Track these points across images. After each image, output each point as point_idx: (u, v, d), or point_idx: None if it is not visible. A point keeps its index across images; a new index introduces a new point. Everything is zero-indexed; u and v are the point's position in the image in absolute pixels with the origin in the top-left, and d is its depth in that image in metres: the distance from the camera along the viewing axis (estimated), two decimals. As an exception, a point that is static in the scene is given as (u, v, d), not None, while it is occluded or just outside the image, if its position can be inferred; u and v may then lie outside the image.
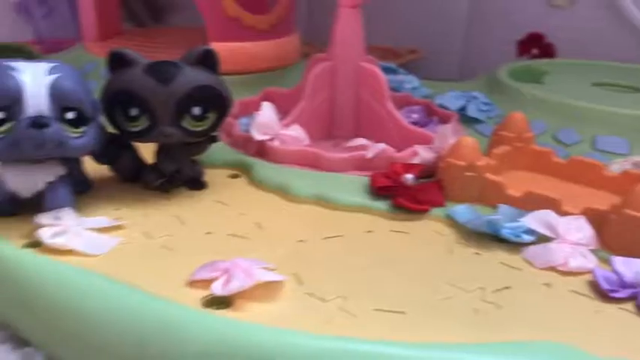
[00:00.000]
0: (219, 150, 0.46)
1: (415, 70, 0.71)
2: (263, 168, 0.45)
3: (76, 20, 0.82)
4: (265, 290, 0.31)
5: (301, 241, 0.36)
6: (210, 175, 0.44)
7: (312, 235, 0.37)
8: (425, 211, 0.40)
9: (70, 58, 0.65)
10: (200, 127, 0.40)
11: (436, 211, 0.40)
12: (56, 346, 0.31)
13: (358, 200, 0.41)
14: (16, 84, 0.33)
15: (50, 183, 0.36)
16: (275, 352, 0.26)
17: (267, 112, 0.47)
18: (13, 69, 0.34)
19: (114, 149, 0.41)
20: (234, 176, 0.46)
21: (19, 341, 0.32)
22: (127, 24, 0.81)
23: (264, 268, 0.32)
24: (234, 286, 0.30)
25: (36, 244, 0.34)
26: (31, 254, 0.33)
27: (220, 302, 0.30)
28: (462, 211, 0.39)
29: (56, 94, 0.34)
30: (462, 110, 0.58)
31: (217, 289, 0.30)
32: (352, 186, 0.42)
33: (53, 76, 0.34)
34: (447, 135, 0.45)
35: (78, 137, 0.35)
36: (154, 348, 0.28)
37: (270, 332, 0.27)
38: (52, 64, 0.35)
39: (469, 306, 0.31)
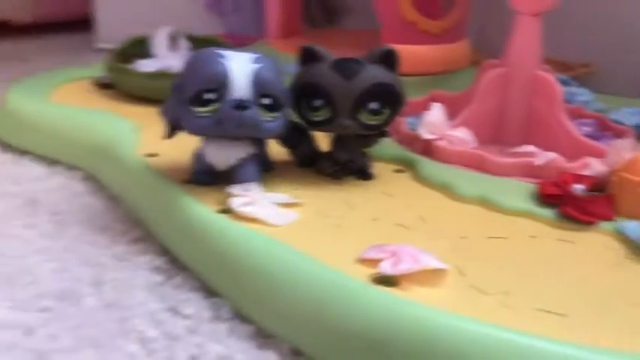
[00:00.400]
0: (386, 145, 0.49)
1: (588, 83, 0.68)
2: (428, 165, 0.47)
3: (258, 18, 0.89)
4: (429, 276, 0.33)
5: (464, 237, 0.38)
6: (377, 167, 0.47)
7: (475, 233, 0.38)
8: (592, 223, 0.39)
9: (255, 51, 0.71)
10: (375, 122, 0.42)
11: (605, 225, 0.39)
12: (241, 301, 0.35)
13: (523, 205, 0.41)
14: (225, 70, 0.38)
15: (242, 159, 0.41)
16: (440, 332, 0.28)
17: (436, 112, 0.49)
18: (222, 57, 0.39)
19: (296, 136, 0.45)
20: (399, 171, 0.48)
21: (209, 291, 0.37)
22: (303, 25, 0.87)
23: (430, 256, 0.33)
24: (403, 268, 0.32)
25: (227, 211, 0.38)
26: (223, 219, 0.38)
27: (387, 281, 0.32)
28: (634, 227, 0.38)
29: (257, 82, 0.38)
30: (638, 128, 0.55)
31: (386, 268, 0.32)
32: (517, 191, 0.43)
33: (256, 66, 0.39)
34: (623, 150, 0.44)
35: (270, 121, 0.40)
36: (329, 314, 0.31)
37: (438, 313, 0.29)
38: (256, 55, 0.39)
39: (638, 320, 0.30)
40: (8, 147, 0.58)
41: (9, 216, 0.45)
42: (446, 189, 0.44)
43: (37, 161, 0.56)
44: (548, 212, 0.40)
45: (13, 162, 0.56)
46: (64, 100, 0.61)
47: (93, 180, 0.52)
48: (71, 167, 0.54)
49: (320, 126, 0.43)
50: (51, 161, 0.55)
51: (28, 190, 0.50)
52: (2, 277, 0.38)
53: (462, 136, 0.49)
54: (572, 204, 0.40)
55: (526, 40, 0.50)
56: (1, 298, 0.35)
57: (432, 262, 0.33)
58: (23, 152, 0.57)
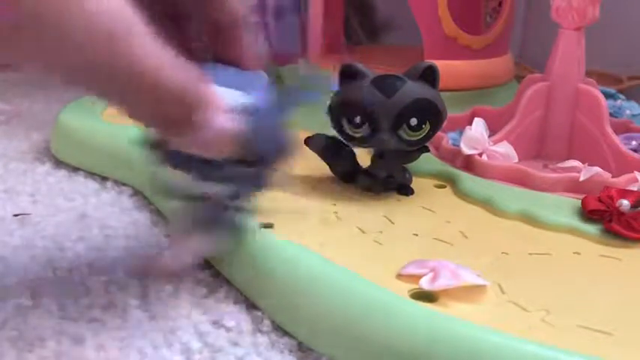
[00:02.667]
0: (427, 161, 0.49)
1: (637, 97, 0.67)
2: (469, 181, 0.47)
3: (299, 37, 0.91)
4: (469, 292, 0.32)
5: (505, 253, 0.38)
6: (417, 183, 0.47)
7: (516, 249, 0.38)
8: (638, 239, 0.39)
9: (297, 70, 0.72)
10: (415, 137, 0.43)
11: (652, 241, 0.38)
12: (280, 314, 0.36)
13: (566, 221, 0.41)
14: None
15: None
16: (479, 348, 0.28)
17: (477, 127, 0.49)
18: None
19: (336, 151, 0.46)
20: (440, 186, 0.48)
21: (250, 304, 0.38)
22: (345, 42, 0.88)
23: (470, 272, 0.33)
24: (442, 283, 0.32)
25: (269, 225, 0.39)
26: (264, 233, 0.39)
27: (426, 297, 0.32)
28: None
29: None
30: (689, 141, 0.54)
31: (425, 283, 0.32)
32: (560, 206, 0.42)
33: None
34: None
35: None
36: (367, 329, 0.31)
37: (477, 329, 0.29)
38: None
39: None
40: (62, 164, 0.61)
41: (62, 230, 0.47)
42: (487, 204, 0.44)
43: (89, 177, 0.58)
44: (592, 228, 0.40)
45: (66, 178, 0.58)
46: (114, 118, 0.63)
47: (140, 196, 0.54)
48: (121, 183, 0.56)
49: (360, 142, 0.44)
50: (102, 177, 0.58)
51: (80, 205, 0.52)
52: (54, 288, 0.39)
53: (503, 151, 0.48)
54: (618, 220, 0.39)
55: (569, 54, 0.50)
56: (53, 308, 0.37)
57: (471, 278, 0.33)
58: (76, 169, 0.60)
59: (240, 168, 0.33)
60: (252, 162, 0.33)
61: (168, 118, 0.29)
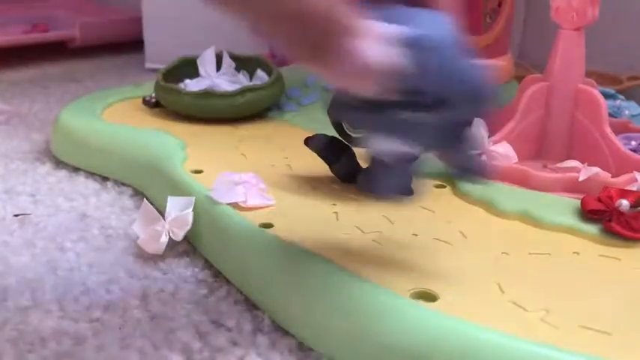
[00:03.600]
0: (427, 161, 0.49)
1: (637, 97, 0.67)
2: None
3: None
4: (469, 292, 0.33)
5: (505, 253, 0.38)
6: (417, 183, 0.47)
7: (516, 249, 0.38)
8: (637, 239, 0.39)
9: (296, 70, 0.72)
10: (415, 137, 0.43)
11: (652, 241, 0.38)
12: (281, 314, 0.36)
13: (566, 221, 0.41)
14: None
15: None
16: (477, 347, 0.28)
17: (477, 128, 0.49)
18: None
19: (336, 152, 0.46)
20: (440, 187, 0.48)
21: (251, 304, 0.38)
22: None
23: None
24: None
25: (269, 225, 0.39)
26: (264, 233, 0.39)
27: (426, 296, 0.32)
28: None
29: None
30: (689, 141, 0.54)
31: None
32: (560, 206, 0.42)
33: None
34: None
35: None
36: (368, 329, 0.31)
37: (475, 329, 0.29)
38: None
39: (686, 339, 0.29)
40: (62, 164, 0.61)
41: (62, 230, 0.48)
42: (487, 204, 0.44)
43: (90, 178, 0.58)
44: (591, 228, 0.40)
45: (66, 178, 0.58)
46: (114, 118, 0.63)
47: (141, 196, 0.54)
48: (121, 183, 0.56)
49: (359, 143, 0.44)
50: (102, 178, 0.58)
51: (80, 205, 0.52)
52: (55, 288, 0.39)
53: (503, 152, 0.48)
54: (617, 219, 0.39)
55: (568, 54, 0.50)
56: (54, 308, 0.37)
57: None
58: (76, 169, 0.60)
59: (411, 113, 0.26)
60: (429, 106, 0.26)
61: (312, 45, 0.27)
